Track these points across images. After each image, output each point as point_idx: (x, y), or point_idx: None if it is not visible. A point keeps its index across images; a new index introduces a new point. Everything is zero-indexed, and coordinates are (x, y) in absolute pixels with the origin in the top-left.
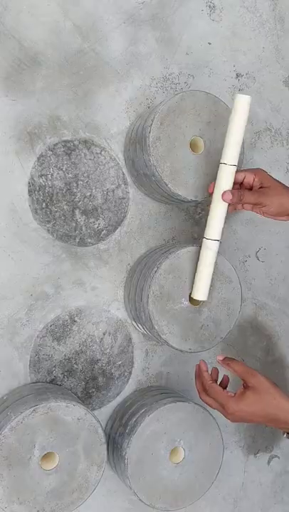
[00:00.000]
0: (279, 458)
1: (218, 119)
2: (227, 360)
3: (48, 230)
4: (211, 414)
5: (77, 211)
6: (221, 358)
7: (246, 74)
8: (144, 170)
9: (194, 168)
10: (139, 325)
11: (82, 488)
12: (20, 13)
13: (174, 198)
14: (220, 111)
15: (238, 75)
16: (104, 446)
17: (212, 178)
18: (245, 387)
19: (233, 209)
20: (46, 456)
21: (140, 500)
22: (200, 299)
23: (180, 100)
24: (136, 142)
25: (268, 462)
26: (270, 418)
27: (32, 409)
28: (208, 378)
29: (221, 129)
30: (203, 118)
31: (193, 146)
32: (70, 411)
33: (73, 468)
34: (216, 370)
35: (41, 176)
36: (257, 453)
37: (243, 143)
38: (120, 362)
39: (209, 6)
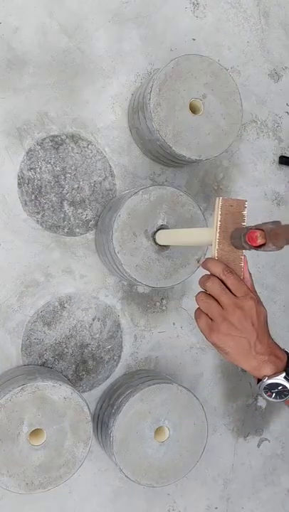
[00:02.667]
0: (269, 441)
1: (215, 79)
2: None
3: (38, 221)
4: (194, 395)
5: (65, 202)
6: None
7: (231, 68)
8: (148, 136)
9: (195, 129)
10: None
11: (70, 463)
12: (8, 16)
13: (179, 159)
14: (216, 71)
15: None
16: (90, 424)
17: (213, 137)
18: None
19: None
20: (34, 433)
21: (126, 476)
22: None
23: (176, 65)
24: (138, 110)
25: (258, 445)
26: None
27: (20, 387)
28: None
29: (219, 88)
30: (199, 80)
31: (192, 108)
32: (56, 390)
33: (60, 445)
34: None
35: (30, 169)
36: (247, 436)
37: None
38: (110, 346)
39: (193, 3)
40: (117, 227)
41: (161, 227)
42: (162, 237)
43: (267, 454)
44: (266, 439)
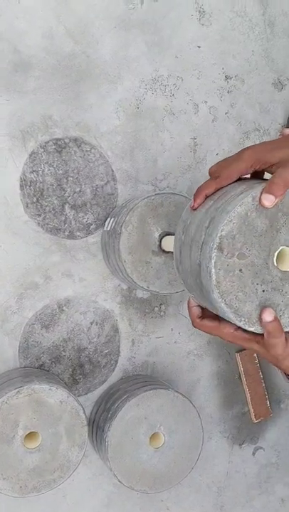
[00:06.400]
0: (264, 450)
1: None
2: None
3: (39, 223)
4: (191, 402)
5: (66, 206)
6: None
7: (235, 76)
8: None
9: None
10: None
11: (64, 467)
12: (15, 19)
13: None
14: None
15: (227, 77)
16: (86, 428)
17: None
18: None
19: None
20: (29, 436)
21: (120, 481)
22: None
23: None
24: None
25: (253, 454)
26: None
27: (16, 390)
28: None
29: None
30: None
31: None
32: (52, 393)
33: (55, 448)
34: None
35: (33, 171)
36: (242, 444)
37: None
38: (107, 351)
39: (199, 11)
40: (124, 233)
41: (168, 234)
42: (168, 244)
43: (262, 462)
44: (261, 448)
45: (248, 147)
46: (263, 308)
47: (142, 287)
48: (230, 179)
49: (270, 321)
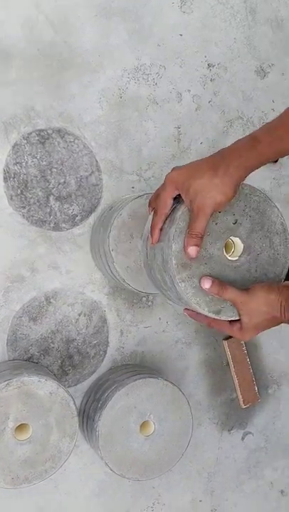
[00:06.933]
0: (253, 435)
1: None
2: (217, 288)
3: (23, 216)
4: (180, 390)
5: (51, 197)
6: (207, 286)
7: (218, 64)
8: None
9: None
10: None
11: (55, 458)
12: None
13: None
14: None
15: (209, 65)
16: (76, 418)
17: None
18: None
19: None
20: (20, 428)
21: (111, 470)
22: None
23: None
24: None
25: (242, 439)
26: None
27: (6, 383)
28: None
29: None
30: None
31: None
32: (42, 385)
33: (46, 439)
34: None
35: (16, 163)
36: (231, 429)
37: None
38: (96, 341)
39: None
40: (116, 225)
41: None
42: None
43: (251, 447)
44: (250, 433)
45: (171, 172)
46: (200, 279)
47: (129, 285)
48: (166, 206)
49: (210, 286)
